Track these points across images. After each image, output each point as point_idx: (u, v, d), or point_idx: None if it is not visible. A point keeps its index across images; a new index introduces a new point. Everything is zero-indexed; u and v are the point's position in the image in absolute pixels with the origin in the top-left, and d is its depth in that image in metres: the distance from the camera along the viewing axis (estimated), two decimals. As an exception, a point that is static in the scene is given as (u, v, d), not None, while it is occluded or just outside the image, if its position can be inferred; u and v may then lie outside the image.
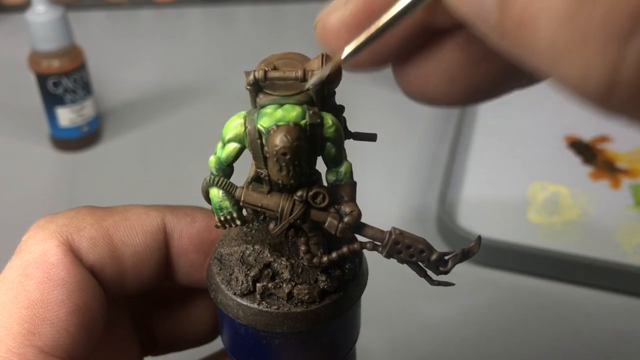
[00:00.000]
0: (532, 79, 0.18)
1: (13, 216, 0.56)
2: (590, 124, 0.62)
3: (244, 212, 0.22)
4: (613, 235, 0.50)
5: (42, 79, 0.60)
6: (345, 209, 0.20)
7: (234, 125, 0.20)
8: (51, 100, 0.61)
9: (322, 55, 0.19)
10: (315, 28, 0.19)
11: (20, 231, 0.25)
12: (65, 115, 0.62)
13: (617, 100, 0.12)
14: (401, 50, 0.18)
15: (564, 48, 0.12)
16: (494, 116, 0.64)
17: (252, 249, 0.22)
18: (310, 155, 0.20)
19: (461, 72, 0.18)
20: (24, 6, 0.74)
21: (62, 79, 0.60)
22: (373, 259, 0.24)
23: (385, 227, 0.21)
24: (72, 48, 0.60)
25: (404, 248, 0.20)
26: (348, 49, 0.18)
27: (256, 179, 0.21)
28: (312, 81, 0.19)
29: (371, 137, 0.23)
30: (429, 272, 0.21)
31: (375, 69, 0.19)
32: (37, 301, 0.22)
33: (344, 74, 0.20)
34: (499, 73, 0.18)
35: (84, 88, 0.62)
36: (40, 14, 0.57)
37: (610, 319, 0.47)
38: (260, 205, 0.21)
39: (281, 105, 0.19)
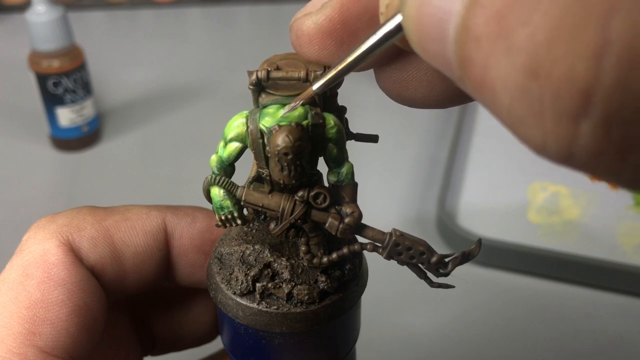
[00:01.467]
0: None
1: (13, 216, 0.56)
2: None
3: (245, 211, 0.22)
4: (613, 235, 0.50)
5: (42, 79, 0.60)
6: (346, 209, 0.20)
7: (236, 125, 0.20)
8: (51, 100, 0.61)
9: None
10: (290, 31, 0.19)
11: (20, 231, 0.25)
12: (65, 115, 0.62)
13: (577, 164, 0.13)
14: (381, 58, 0.19)
15: (521, 118, 0.13)
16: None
17: (252, 248, 0.22)
18: (312, 156, 0.20)
19: (438, 78, 0.19)
20: (24, 6, 0.74)
21: (62, 79, 0.60)
22: (373, 260, 0.24)
23: (386, 228, 0.21)
24: (72, 48, 0.60)
25: (405, 250, 0.20)
26: (319, 83, 0.18)
27: (257, 179, 0.21)
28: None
29: (372, 139, 0.23)
30: (429, 274, 0.21)
31: (358, 71, 0.19)
32: (38, 301, 0.22)
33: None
34: None
35: (84, 88, 0.62)
36: (40, 14, 0.57)
37: (610, 319, 0.47)
38: (261, 205, 0.21)
39: (284, 105, 0.19)
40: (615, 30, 0.11)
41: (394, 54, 0.19)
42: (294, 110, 0.19)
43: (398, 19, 0.16)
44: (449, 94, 0.19)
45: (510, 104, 0.13)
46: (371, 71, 0.20)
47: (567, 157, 0.12)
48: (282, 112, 0.19)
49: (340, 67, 0.18)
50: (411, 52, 0.18)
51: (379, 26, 0.16)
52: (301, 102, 0.19)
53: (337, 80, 0.18)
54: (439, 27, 0.14)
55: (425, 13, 0.14)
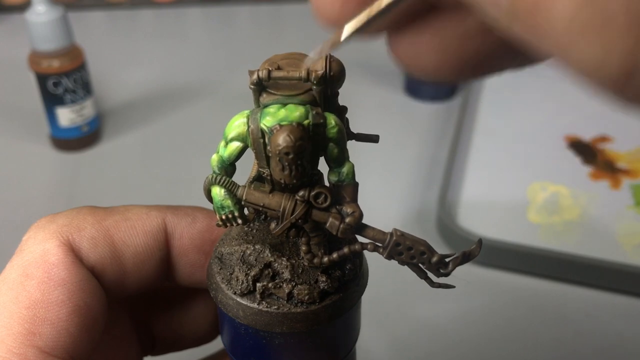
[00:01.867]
0: (526, 60, 0.18)
1: (13, 216, 0.56)
2: (590, 124, 0.62)
3: (246, 211, 0.22)
4: (613, 235, 0.50)
5: (42, 79, 0.60)
6: (347, 209, 0.20)
7: (237, 124, 0.20)
8: (51, 100, 0.61)
9: (326, 56, 0.19)
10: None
11: (20, 231, 0.24)
12: (65, 115, 0.62)
13: (636, 87, 0.12)
14: (396, 20, 0.18)
15: (583, 30, 0.12)
16: (494, 116, 0.64)
17: (252, 248, 0.22)
18: (313, 156, 0.20)
19: (453, 45, 0.18)
20: (24, 6, 0.74)
21: (62, 79, 0.60)
22: (373, 260, 0.24)
23: (386, 228, 0.21)
24: (72, 48, 0.60)
25: (405, 249, 0.20)
26: (347, 29, 0.17)
27: (258, 178, 0.21)
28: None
29: (373, 139, 0.23)
30: (430, 274, 0.21)
31: (369, 38, 0.19)
32: (38, 301, 0.22)
33: (346, 74, 0.20)
34: (492, 50, 0.18)
35: (84, 88, 0.62)
36: (40, 14, 0.57)
37: (611, 319, 0.47)
38: (262, 204, 0.21)
39: (284, 105, 0.19)
40: None
41: (409, 17, 0.18)
42: (295, 110, 0.19)
43: None
44: (462, 63, 0.18)
45: (572, 15, 0.12)
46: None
47: (626, 77, 0.12)
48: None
49: (373, 11, 0.16)
50: (440, 5, 0.17)
51: None
52: (329, 48, 0.18)
53: (368, 27, 0.17)
54: None
55: None
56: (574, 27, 0.12)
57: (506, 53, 0.18)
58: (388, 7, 0.16)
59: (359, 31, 0.17)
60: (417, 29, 0.18)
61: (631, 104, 0.12)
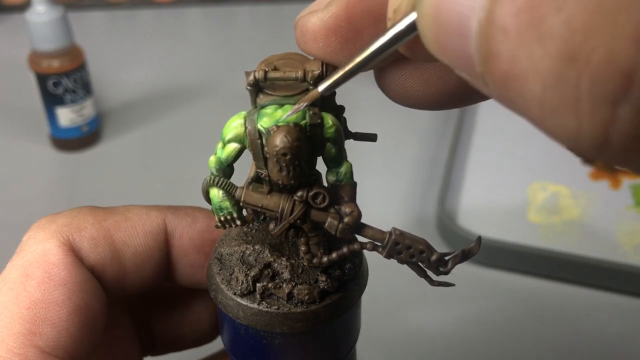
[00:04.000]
0: None
1: (13, 216, 0.56)
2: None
3: (244, 212, 0.22)
4: (613, 235, 0.50)
5: (42, 79, 0.60)
6: (346, 209, 0.20)
7: (234, 126, 0.20)
8: (51, 100, 0.61)
9: None
10: (295, 28, 0.19)
11: (20, 231, 0.25)
12: (65, 115, 0.62)
13: (612, 152, 0.12)
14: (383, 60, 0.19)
15: (554, 107, 0.12)
16: (494, 116, 0.64)
17: (252, 249, 0.22)
18: (311, 156, 0.20)
19: (435, 79, 0.19)
20: (24, 6, 0.74)
21: (62, 79, 0.60)
22: (373, 260, 0.24)
23: (385, 228, 0.21)
24: (72, 48, 0.60)
25: (404, 248, 0.20)
26: (325, 84, 0.18)
27: (256, 179, 0.21)
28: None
29: (371, 138, 0.23)
30: (429, 273, 0.21)
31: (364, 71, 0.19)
32: (38, 301, 0.22)
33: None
34: None
35: (84, 88, 0.62)
36: (40, 14, 0.57)
37: (610, 319, 0.47)
38: (260, 205, 0.21)
39: (281, 105, 0.19)
40: None
41: (393, 56, 0.19)
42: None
43: (410, 18, 0.15)
44: (445, 94, 0.19)
45: (543, 93, 0.12)
46: (371, 71, 0.20)
47: (602, 144, 0.12)
48: (284, 115, 0.19)
49: (347, 68, 0.17)
50: (414, 59, 0.18)
51: (388, 28, 0.16)
52: (306, 104, 0.19)
53: (343, 82, 0.18)
54: (460, 22, 0.13)
55: (444, 9, 0.14)
56: (546, 104, 0.12)
57: None
58: (360, 66, 0.17)
59: (334, 87, 0.18)
60: (400, 65, 0.19)
61: (611, 163, 0.13)
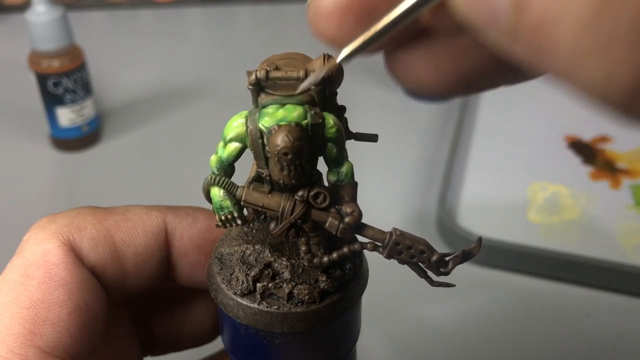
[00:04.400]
0: (520, 76, 0.18)
1: (13, 216, 0.56)
2: (590, 124, 0.62)
3: (245, 211, 0.22)
4: (613, 235, 0.50)
5: (42, 79, 0.60)
6: (346, 209, 0.20)
7: (236, 125, 0.20)
8: (51, 100, 0.61)
9: (324, 55, 0.19)
10: (308, 8, 0.18)
11: (20, 231, 0.25)
12: (65, 115, 0.62)
13: None
14: (392, 39, 0.18)
15: (587, 52, 0.12)
16: (494, 116, 0.64)
17: (252, 248, 0.22)
18: (312, 156, 0.20)
19: (447, 62, 0.18)
20: (24, 6, 0.74)
21: (62, 79, 0.60)
22: (373, 260, 0.24)
23: (386, 228, 0.21)
24: (72, 48, 0.60)
25: (405, 249, 0.20)
26: (345, 52, 0.17)
27: (257, 179, 0.21)
28: (306, 82, 0.19)
29: (372, 138, 0.23)
30: (430, 273, 0.21)
31: (365, 56, 0.19)
32: (39, 301, 0.22)
33: (345, 74, 0.20)
34: (485, 67, 0.18)
35: (84, 88, 0.62)
36: (40, 14, 0.57)
37: (610, 319, 0.47)
38: (261, 205, 0.21)
39: (283, 105, 0.19)
40: None
41: (405, 37, 0.19)
42: (293, 110, 0.19)
43: None
44: (457, 79, 0.18)
45: (576, 37, 0.12)
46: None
47: (633, 96, 0.12)
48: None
49: (370, 35, 0.17)
50: (437, 29, 0.17)
51: None
52: (323, 74, 0.18)
53: (363, 51, 0.17)
54: None
55: None
56: (578, 49, 0.12)
57: (500, 70, 0.18)
58: (383, 32, 0.16)
59: (355, 54, 0.17)
60: (412, 48, 0.18)
61: (637, 121, 0.12)
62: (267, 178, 0.20)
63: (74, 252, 0.23)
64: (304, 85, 0.19)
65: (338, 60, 0.18)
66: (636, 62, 0.12)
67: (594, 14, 0.12)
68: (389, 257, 0.21)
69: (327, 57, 0.19)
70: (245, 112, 0.20)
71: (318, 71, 0.19)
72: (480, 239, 0.21)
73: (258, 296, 0.21)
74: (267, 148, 0.19)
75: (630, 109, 0.12)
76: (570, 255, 0.48)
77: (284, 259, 0.22)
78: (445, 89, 0.19)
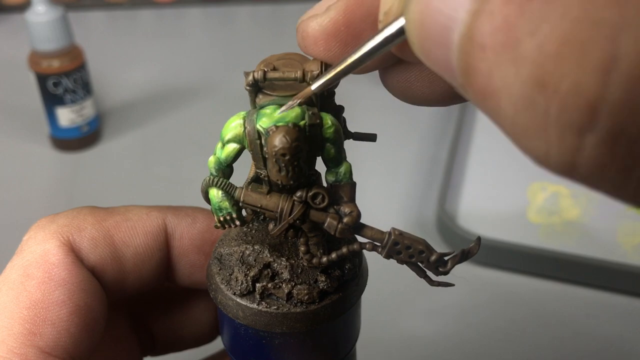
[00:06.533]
0: None
1: (13, 216, 0.56)
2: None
3: (244, 212, 0.22)
4: (613, 235, 0.50)
5: (42, 79, 0.60)
6: (345, 209, 0.20)
7: (234, 126, 0.20)
8: (51, 100, 0.61)
9: None
10: (297, 32, 0.19)
11: (20, 231, 0.25)
12: (65, 115, 0.62)
13: (579, 176, 0.13)
14: (385, 60, 0.19)
15: (524, 129, 0.13)
16: (494, 116, 0.64)
17: (251, 249, 0.22)
18: (310, 156, 0.20)
19: (440, 79, 0.19)
20: (24, 6, 0.74)
21: (62, 79, 0.60)
22: (372, 260, 0.24)
23: (385, 228, 0.21)
24: (72, 48, 0.60)
25: (404, 249, 0.20)
26: (317, 83, 0.18)
27: (256, 180, 0.21)
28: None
29: (371, 138, 0.23)
30: (429, 273, 0.21)
31: (361, 73, 0.19)
32: (38, 301, 0.22)
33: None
34: None
35: (84, 88, 0.62)
36: (40, 14, 0.57)
37: (610, 319, 0.47)
38: (259, 205, 0.21)
39: (281, 105, 0.19)
40: (624, 46, 0.11)
41: (397, 56, 0.19)
42: (291, 111, 0.19)
43: (399, 23, 0.16)
44: (450, 94, 0.19)
45: (515, 114, 0.12)
46: (373, 72, 0.20)
47: (569, 169, 0.12)
48: (278, 111, 0.19)
49: (339, 69, 0.18)
50: (409, 60, 0.18)
51: (378, 30, 0.16)
52: (299, 101, 0.19)
53: (335, 81, 0.18)
54: (443, 33, 0.13)
55: (429, 18, 0.14)
56: (518, 124, 0.13)
57: None
58: (353, 65, 0.17)
59: (326, 86, 0.18)
60: (404, 66, 0.19)
61: (582, 184, 0.13)
62: (266, 179, 0.20)
63: (74, 253, 0.23)
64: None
65: (312, 89, 0.19)
66: (567, 145, 0.12)
67: (529, 97, 0.12)
68: (387, 257, 0.21)
69: (322, 64, 0.19)
70: (243, 113, 0.20)
71: (291, 101, 0.19)
72: (479, 238, 0.21)
73: (257, 296, 0.21)
74: (265, 149, 0.19)
75: (572, 177, 0.13)
76: (570, 256, 0.48)
77: (283, 259, 0.22)
78: (441, 101, 0.19)
